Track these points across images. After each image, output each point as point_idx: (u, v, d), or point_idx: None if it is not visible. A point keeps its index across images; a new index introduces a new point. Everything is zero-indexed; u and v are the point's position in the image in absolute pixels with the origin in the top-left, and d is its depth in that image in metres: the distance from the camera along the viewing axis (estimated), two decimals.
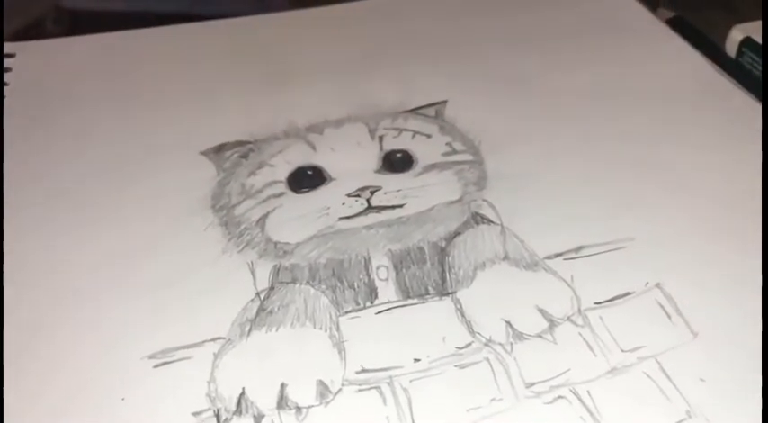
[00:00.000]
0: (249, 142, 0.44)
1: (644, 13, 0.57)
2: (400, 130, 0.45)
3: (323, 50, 0.53)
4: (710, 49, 0.53)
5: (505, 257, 0.36)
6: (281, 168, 0.42)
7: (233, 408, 0.30)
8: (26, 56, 0.53)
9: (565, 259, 0.36)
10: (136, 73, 0.52)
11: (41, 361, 0.32)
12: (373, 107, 0.47)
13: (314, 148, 0.43)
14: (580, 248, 0.37)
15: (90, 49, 0.55)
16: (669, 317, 0.33)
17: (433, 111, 0.47)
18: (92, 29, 0.57)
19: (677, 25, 0.56)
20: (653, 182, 0.41)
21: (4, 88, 0.49)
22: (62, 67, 0.53)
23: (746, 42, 0.52)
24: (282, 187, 0.41)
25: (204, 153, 0.44)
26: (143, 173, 0.42)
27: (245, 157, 0.43)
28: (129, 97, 0.49)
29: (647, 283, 0.34)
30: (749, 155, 0.41)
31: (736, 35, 0.53)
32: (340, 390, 0.31)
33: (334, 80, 0.49)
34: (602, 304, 0.34)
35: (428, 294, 0.35)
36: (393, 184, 0.40)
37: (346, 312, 0.34)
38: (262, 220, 0.39)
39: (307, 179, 0.41)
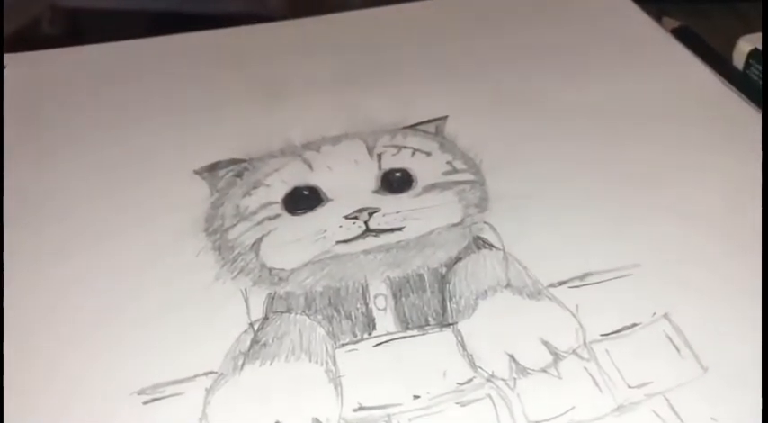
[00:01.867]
0: (244, 161, 0.43)
1: (649, 24, 0.55)
2: (399, 148, 0.43)
3: (320, 63, 0.52)
4: (717, 60, 0.52)
5: (508, 285, 0.35)
6: (277, 188, 0.41)
7: None
8: (16, 67, 0.52)
9: (569, 287, 0.35)
10: (126, 87, 0.50)
11: (18, 397, 0.31)
12: (372, 123, 0.45)
13: (311, 166, 0.42)
14: (585, 275, 0.35)
15: (80, 62, 0.53)
16: (678, 350, 0.32)
17: (434, 127, 0.45)
18: (87, 29, 0.56)
19: (683, 35, 0.55)
20: (660, 204, 0.39)
21: None
22: (51, 80, 0.51)
23: (754, 54, 0.51)
24: (278, 209, 0.40)
25: (197, 172, 0.43)
26: (134, 194, 0.41)
27: (239, 176, 0.42)
28: (119, 112, 0.48)
29: (655, 314, 0.33)
30: (759, 173, 0.40)
31: (743, 46, 0.52)
32: None
33: (331, 95, 0.48)
34: (609, 336, 0.32)
35: (428, 325, 0.33)
36: (392, 206, 0.39)
37: (343, 344, 0.33)
38: (256, 245, 0.38)
39: (303, 200, 0.40)
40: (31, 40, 0.59)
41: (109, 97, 0.49)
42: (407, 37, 0.55)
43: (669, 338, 0.32)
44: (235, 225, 0.39)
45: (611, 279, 0.35)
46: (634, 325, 0.33)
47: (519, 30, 0.55)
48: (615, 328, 0.33)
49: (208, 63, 0.53)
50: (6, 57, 0.53)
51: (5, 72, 0.51)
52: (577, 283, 0.35)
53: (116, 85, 0.51)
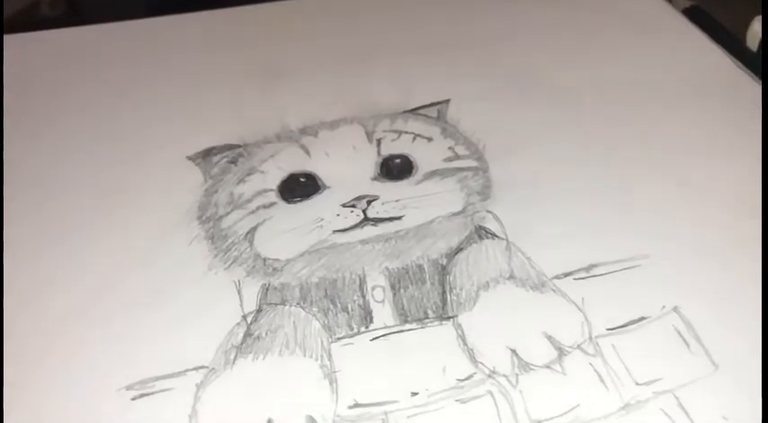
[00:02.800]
0: (239, 146, 0.42)
1: (659, 3, 0.53)
2: (399, 133, 0.42)
3: (318, 45, 0.50)
4: (730, 41, 0.50)
5: (511, 276, 0.33)
6: (273, 175, 0.39)
7: None
8: (15, 48, 0.50)
9: (575, 279, 0.33)
10: (122, 69, 0.49)
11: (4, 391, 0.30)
12: (371, 107, 0.44)
13: (308, 152, 0.41)
14: (591, 267, 0.34)
15: (78, 43, 0.52)
16: (688, 346, 0.31)
17: (435, 111, 0.44)
18: (86, 9, 0.54)
19: (694, 16, 0.53)
20: (670, 192, 0.38)
21: None
22: (50, 61, 0.50)
23: None
24: (273, 196, 0.38)
25: (191, 158, 0.41)
26: (125, 181, 0.40)
27: (234, 162, 0.41)
28: (114, 95, 0.47)
29: (664, 307, 0.32)
30: None
31: (757, 27, 0.50)
32: None
33: (329, 77, 0.47)
34: (615, 330, 0.31)
35: (427, 318, 0.32)
36: (391, 194, 0.38)
37: (339, 338, 0.32)
38: (250, 234, 0.36)
39: (299, 187, 0.39)
40: (31, 22, 0.58)
41: (105, 79, 0.48)
42: (409, 18, 0.53)
43: (679, 333, 0.31)
44: (229, 213, 0.38)
45: (618, 270, 0.34)
46: (642, 319, 0.32)
47: (525, 10, 0.53)
48: (622, 322, 0.31)
49: (204, 44, 0.51)
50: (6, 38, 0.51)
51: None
52: (583, 274, 0.34)
53: (113, 66, 0.49)
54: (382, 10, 0.54)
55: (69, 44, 0.52)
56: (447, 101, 0.44)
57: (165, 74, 0.48)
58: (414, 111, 0.44)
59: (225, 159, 0.41)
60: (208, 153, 0.41)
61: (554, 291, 0.33)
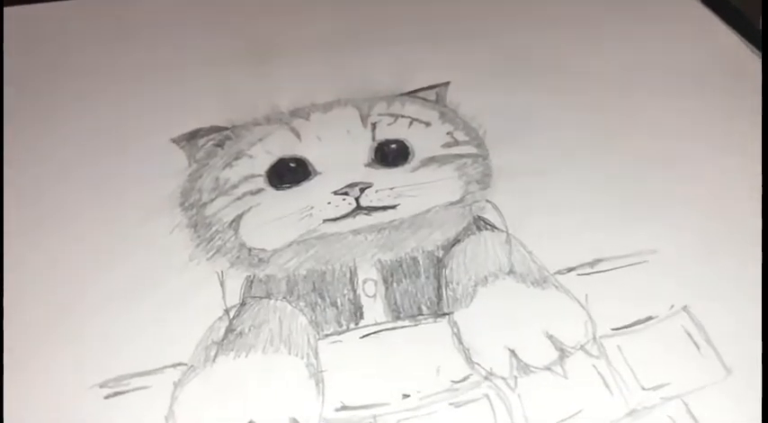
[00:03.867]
0: (226, 128, 0.39)
1: None
2: (396, 117, 0.40)
3: (311, 21, 0.47)
4: (745, 25, 0.48)
5: (510, 271, 0.32)
6: (261, 159, 0.37)
7: None
8: None
9: (578, 275, 0.32)
10: (98, 47, 0.46)
11: None
12: (366, 89, 0.42)
13: (298, 136, 0.38)
14: (596, 262, 0.32)
15: (63, 18, 0.49)
16: (698, 348, 0.29)
17: (434, 94, 0.42)
18: None
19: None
20: (681, 183, 0.36)
21: None
22: (21, 37, 0.47)
23: None
24: (261, 182, 0.36)
25: (175, 141, 0.39)
26: (106, 165, 0.38)
27: (220, 145, 0.39)
28: (90, 73, 0.44)
29: (673, 306, 0.30)
30: None
31: None
32: None
33: (322, 56, 0.44)
34: (621, 331, 0.29)
35: (421, 315, 0.30)
36: (386, 181, 0.36)
37: (327, 335, 0.30)
38: (236, 222, 0.34)
39: (289, 173, 0.36)
40: None
41: (84, 58, 0.46)
42: None
43: (688, 335, 0.29)
44: (213, 200, 0.36)
45: (624, 266, 0.32)
46: (649, 318, 0.30)
47: None
48: (628, 322, 0.30)
49: (190, 19, 0.48)
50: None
51: None
52: (587, 270, 0.32)
53: (92, 44, 0.47)
54: None
55: (42, 19, 0.49)
56: (446, 83, 0.42)
57: (149, 52, 0.46)
58: (411, 93, 0.42)
59: (211, 143, 0.39)
60: (193, 136, 0.39)
61: (556, 287, 0.31)
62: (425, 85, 0.42)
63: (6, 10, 0.47)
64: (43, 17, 0.49)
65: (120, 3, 0.50)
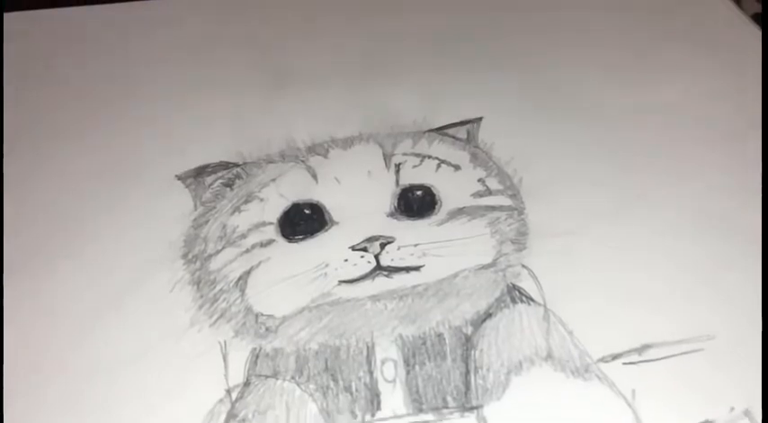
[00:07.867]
0: (236, 164, 0.36)
1: (728, 6, 0.46)
2: (422, 158, 0.36)
3: (332, 48, 0.43)
4: None
5: (548, 356, 0.28)
6: (273, 204, 0.34)
7: None
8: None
9: (624, 364, 0.28)
10: (102, 59, 0.43)
11: None
12: (390, 123, 0.38)
13: (315, 176, 0.35)
14: (644, 348, 0.28)
15: (64, 27, 0.46)
16: None
17: (465, 132, 0.38)
18: None
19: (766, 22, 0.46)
20: (747, 253, 0.31)
21: None
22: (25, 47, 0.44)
23: None
24: (272, 232, 0.33)
25: (180, 177, 0.36)
26: (103, 207, 0.35)
27: (229, 185, 0.35)
28: (92, 95, 0.41)
29: (733, 409, 0.26)
30: None
31: None
32: None
33: (343, 87, 0.40)
34: None
35: (446, 408, 0.27)
36: (409, 236, 0.32)
37: None
38: (243, 280, 0.31)
39: (303, 221, 0.33)
40: None
41: (87, 72, 0.42)
42: (436, 23, 0.46)
43: None
44: (219, 251, 0.32)
45: (677, 355, 0.28)
46: None
47: (574, 16, 0.46)
48: None
49: (202, 43, 0.44)
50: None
51: None
52: (635, 358, 0.28)
53: (96, 56, 0.44)
54: (406, 15, 0.46)
55: (49, 29, 0.46)
56: (479, 119, 0.38)
57: (155, 76, 0.42)
58: (440, 130, 0.38)
59: (219, 181, 0.35)
60: (200, 172, 0.36)
61: (599, 378, 0.27)
62: (456, 121, 0.38)
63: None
64: (40, 37, 0.46)
65: (126, 25, 0.46)
